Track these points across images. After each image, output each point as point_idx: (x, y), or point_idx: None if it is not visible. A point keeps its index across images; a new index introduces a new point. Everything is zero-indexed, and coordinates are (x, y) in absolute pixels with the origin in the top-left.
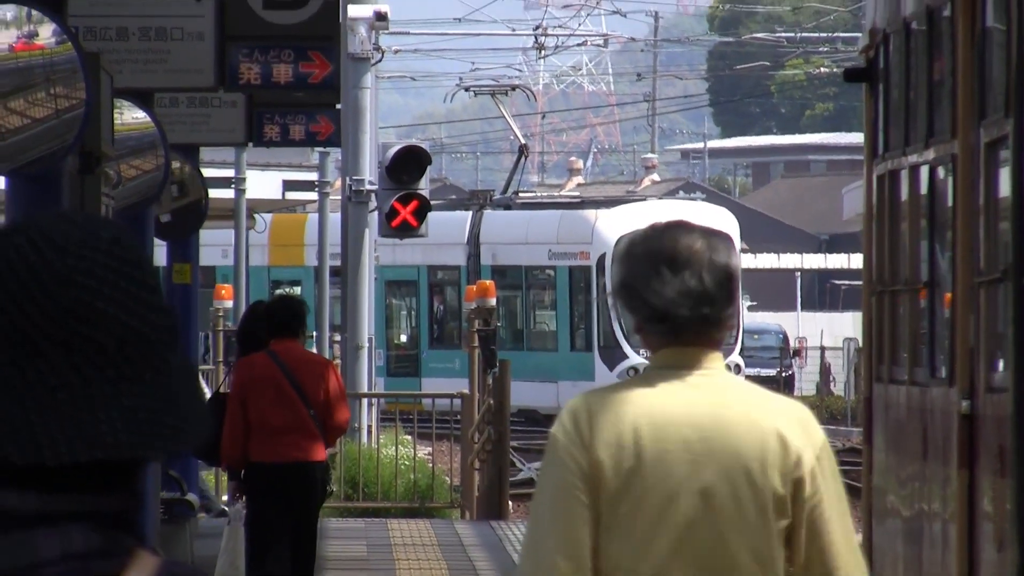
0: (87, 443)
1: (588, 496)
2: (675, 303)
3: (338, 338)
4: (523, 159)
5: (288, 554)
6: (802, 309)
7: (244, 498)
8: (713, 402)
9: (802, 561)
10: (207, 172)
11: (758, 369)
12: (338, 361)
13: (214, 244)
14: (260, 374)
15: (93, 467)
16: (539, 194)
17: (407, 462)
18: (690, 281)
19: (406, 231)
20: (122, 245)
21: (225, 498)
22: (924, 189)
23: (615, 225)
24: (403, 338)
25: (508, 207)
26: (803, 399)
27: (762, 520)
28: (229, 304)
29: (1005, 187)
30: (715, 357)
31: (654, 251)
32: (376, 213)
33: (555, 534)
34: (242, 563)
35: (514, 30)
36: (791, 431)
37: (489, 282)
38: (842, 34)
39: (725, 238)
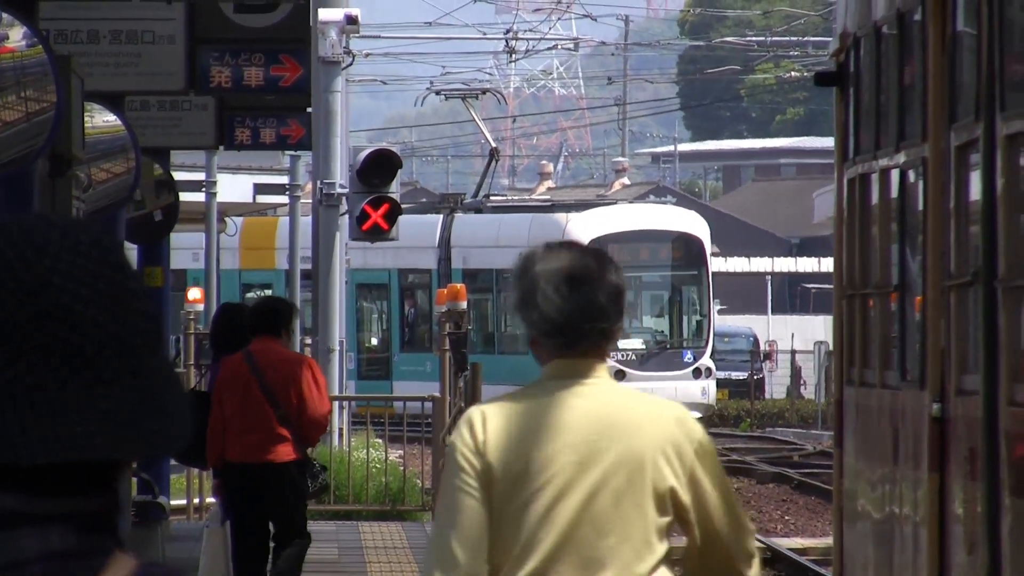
0: (62, 445)
1: (482, 495)
2: (573, 317)
3: (309, 341)
4: (494, 163)
5: (264, 552)
6: (772, 312)
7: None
8: (598, 409)
9: (698, 547)
10: (178, 175)
11: (728, 372)
12: None
13: (185, 247)
14: (232, 374)
15: (73, 469)
16: (510, 198)
17: (378, 465)
18: (586, 297)
19: (377, 234)
20: (103, 248)
21: (207, 499)
22: (895, 193)
23: (586, 228)
24: (374, 341)
25: (479, 211)
26: (773, 403)
27: (641, 517)
28: (200, 307)
29: (976, 191)
30: (601, 367)
31: (552, 270)
32: (347, 216)
33: (455, 530)
34: (228, 563)
35: (485, 34)
36: (669, 433)
37: (460, 285)
38: (812, 38)
39: (612, 260)
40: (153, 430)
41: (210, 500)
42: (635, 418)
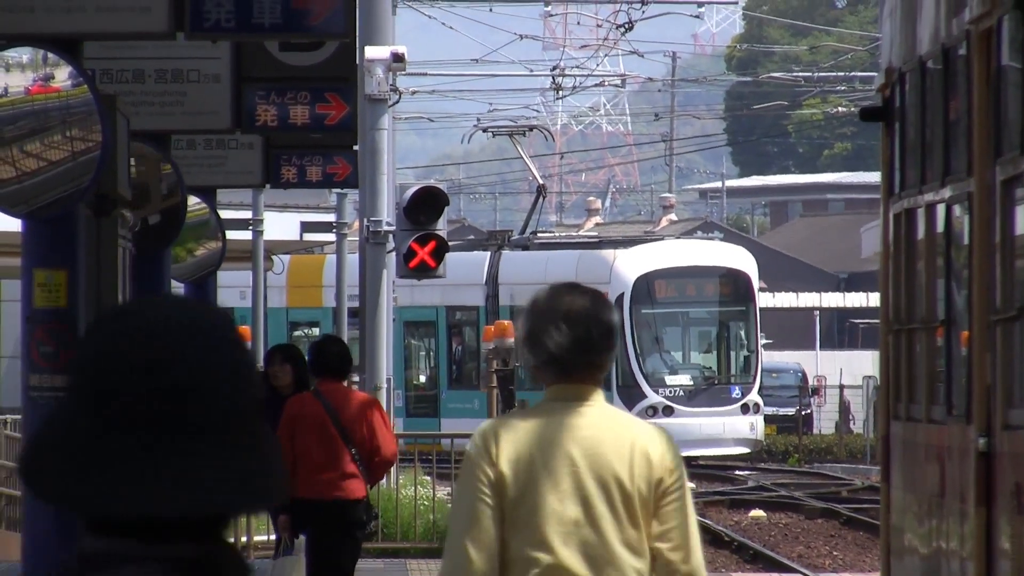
0: (196, 502)
1: (495, 500)
2: (568, 350)
3: (356, 379)
4: (541, 199)
5: None
6: (821, 348)
7: (291, 531)
8: (593, 427)
9: (656, 545)
10: (224, 214)
11: (776, 408)
12: None
13: (232, 286)
14: (307, 412)
15: (185, 519)
16: (557, 234)
17: (426, 503)
18: (580, 333)
19: (424, 272)
20: (222, 327)
21: (255, 537)
22: (941, 227)
23: (634, 265)
24: (422, 379)
25: (526, 247)
26: (822, 438)
27: (631, 519)
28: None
29: (1021, 225)
30: (597, 392)
31: (553, 308)
32: (394, 254)
33: (469, 531)
34: None
35: (532, 71)
36: (654, 450)
37: (507, 322)
38: (859, 73)
39: (606, 299)
40: (265, 486)
41: (258, 538)
42: (624, 437)
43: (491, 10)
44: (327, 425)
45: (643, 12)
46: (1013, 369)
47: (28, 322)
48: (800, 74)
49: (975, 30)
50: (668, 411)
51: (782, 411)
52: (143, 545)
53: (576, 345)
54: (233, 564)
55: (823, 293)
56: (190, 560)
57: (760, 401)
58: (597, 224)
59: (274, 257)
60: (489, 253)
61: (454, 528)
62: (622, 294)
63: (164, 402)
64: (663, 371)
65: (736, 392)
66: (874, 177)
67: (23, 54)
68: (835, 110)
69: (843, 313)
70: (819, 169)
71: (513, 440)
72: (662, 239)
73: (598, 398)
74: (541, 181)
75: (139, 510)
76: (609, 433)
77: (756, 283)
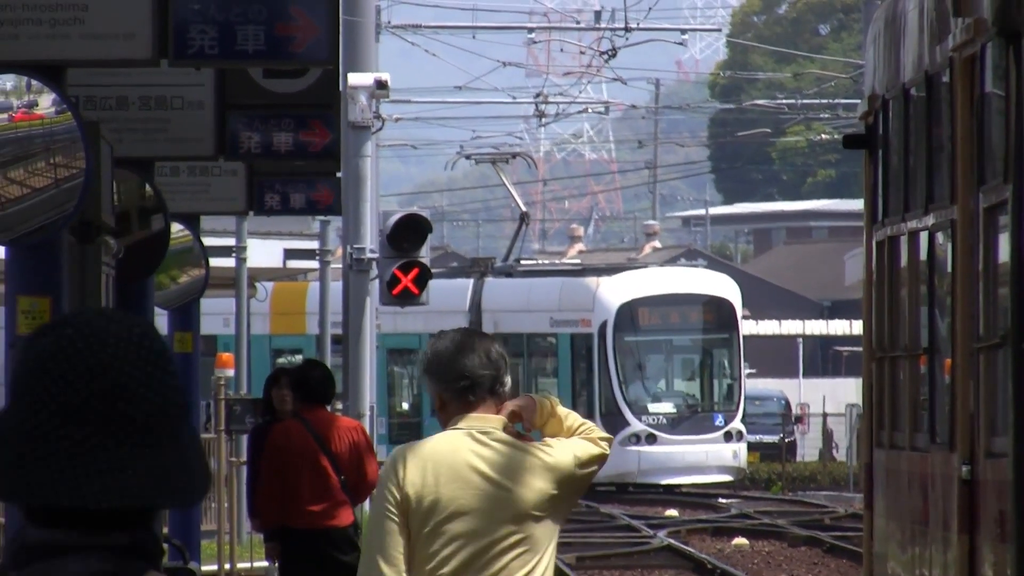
0: (119, 493)
1: (401, 519)
2: (477, 368)
3: (340, 406)
4: (524, 226)
5: None
6: (804, 375)
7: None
8: (493, 453)
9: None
10: (208, 241)
11: (759, 436)
12: None
13: (215, 313)
14: (296, 444)
15: (116, 510)
16: (540, 261)
17: None
18: (483, 356)
19: (407, 299)
20: (150, 338)
21: (238, 565)
22: (923, 255)
23: (617, 292)
24: (405, 406)
25: (509, 274)
26: (805, 465)
27: (529, 537)
28: (231, 373)
29: (1004, 252)
30: (496, 420)
31: (455, 343)
32: (377, 281)
33: (380, 547)
34: None
35: (515, 98)
36: (546, 470)
37: None
38: (843, 100)
39: (493, 336)
40: (184, 483)
41: (241, 565)
42: (520, 460)
43: (474, 37)
44: (317, 456)
45: (626, 39)
46: (996, 397)
47: (12, 349)
48: (783, 101)
49: (959, 57)
50: (651, 439)
51: (765, 439)
52: (81, 535)
53: (483, 364)
54: (159, 549)
55: (806, 320)
56: (123, 547)
57: (743, 429)
58: (580, 251)
59: (257, 284)
60: (472, 280)
61: (368, 544)
62: (605, 321)
63: (98, 404)
64: (646, 399)
65: (719, 420)
66: (858, 204)
67: (7, 81)
68: (819, 137)
69: (826, 340)
70: (802, 196)
71: (419, 465)
72: (645, 267)
73: (497, 427)
74: (524, 208)
75: (75, 502)
76: (507, 458)
77: (739, 311)
